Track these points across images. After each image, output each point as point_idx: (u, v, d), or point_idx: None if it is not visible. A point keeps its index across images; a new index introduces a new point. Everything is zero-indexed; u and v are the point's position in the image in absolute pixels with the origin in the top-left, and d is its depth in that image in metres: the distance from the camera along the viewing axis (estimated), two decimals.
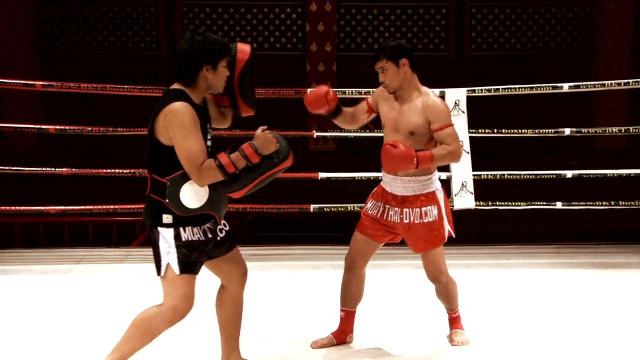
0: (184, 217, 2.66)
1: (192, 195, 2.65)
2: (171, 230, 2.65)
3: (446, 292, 3.37)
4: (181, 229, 2.66)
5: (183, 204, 2.64)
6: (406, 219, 3.20)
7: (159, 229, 2.66)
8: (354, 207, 4.97)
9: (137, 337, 2.71)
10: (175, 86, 2.67)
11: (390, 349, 3.40)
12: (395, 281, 4.44)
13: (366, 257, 3.33)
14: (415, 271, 4.65)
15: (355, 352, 3.36)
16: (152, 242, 2.71)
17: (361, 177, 4.99)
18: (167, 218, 2.65)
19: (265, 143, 2.64)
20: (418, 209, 3.18)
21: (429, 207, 3.20)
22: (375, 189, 3.36)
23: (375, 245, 3.33)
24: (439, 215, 3.22)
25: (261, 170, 2.65)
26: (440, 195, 3.25)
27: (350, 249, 3.34)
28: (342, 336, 3.40)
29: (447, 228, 3.26)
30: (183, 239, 2.66)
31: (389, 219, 3.24)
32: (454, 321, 3.48)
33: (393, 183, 3.23)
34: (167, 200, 2.63)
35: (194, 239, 2.68)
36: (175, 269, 2.65)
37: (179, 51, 2.64)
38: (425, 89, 3.21)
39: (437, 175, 3.29)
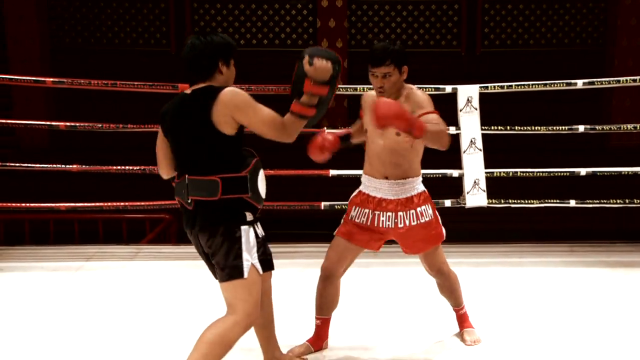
0: (257, 212, 2.63)
1: (263, 184, 2.65)
2: (252, 229, 2.60)
3: (450, 285, 3.33)
4: (256, 226, 2.64)
5: (261, 194, 2.64)
6: (401, 223, 3.12)
7: (242, 228, 2.58)
8: None
9: (214, 354, 2.57)
10: (199, 86, 2.61)
11: (400, 348, 3.37)
12: (403, 280, 4.41)
13: (347, 265, 3.24)
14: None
15: (367, 351, 3.33)
16: (226, 246, 2.57)
17: None
18: (250, 216, 2.60)
19: (324, 72, 2.52)
20: (413, 211, 3.12)
21: (423, 207, 3.15)
22: (354, 197, 3.24)
23: (359, 251, 3.24)
24: (434, 214, 3.18)
25: (332, 91, 2.63)
26: (428, 196, 3.22)
27: (328, 257, 3.21)
28: (318, 343, 3.32)
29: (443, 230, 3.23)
30: (259, 236, 2.64)
31: (380, 225, 3.14)
32: (462, 319, 3.44)
33: (384, 187, 3.13)
34: (250, 194, 2.58)
35: (263, 234, 2.67)
36: (259, 268, 2.62)
37: (194, 49, 2.58)
38: (409, 85, 3.14)
39: (423, 188, 3.24)
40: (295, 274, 4.52)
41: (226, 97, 2.51)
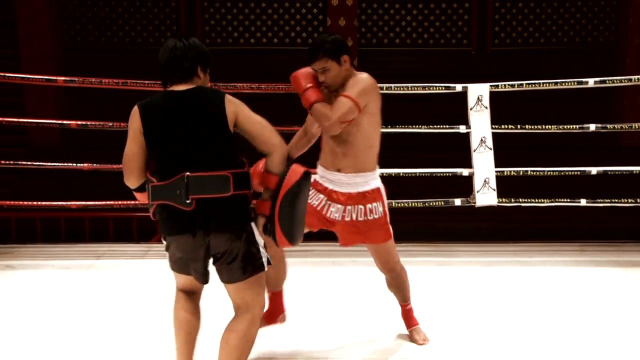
0: None
1: None
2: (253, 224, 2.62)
3: (400, 282, 3.29)
4: None
5: None
6: (348, 217, 3.07)
7: (252, 223, 2.59)
8: None
9: (245, 356, 2.60)
10: (185, 86, 2.56)
11: (407, 346, 3.37)
12: (417, 278, 4.40)
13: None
14: (439, 268, 4.61)
15: (374, 348, 3.33)
16: (247, 243, 2.55)
17: (382, 174, 4.92)
18: (252, 212, 2.61)
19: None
20: (362, 207, 3.07)
21: (374, 204, 3.09)
22: (313, 181, 3.17)
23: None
24: (383, 212, 3.11)
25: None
26: (383, 192, 3.15)
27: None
28: (272, 317, 3.31)
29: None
30: None
31: (329, 215, 3.10)
32: (408, 315, 3.39)
33: (336, 180, 3.08)
34: (251, 190, 2.58)
35: None
36: (270, 259, 2.66)
37: (176, 50, 2.56)
38: (360, 73, 3.05)
39: (378, 172, 3.17)
40: (306, 272, 4.52)
41: (231, 97, 2.57)
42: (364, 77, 3.00)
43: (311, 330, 3.55)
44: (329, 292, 4.17)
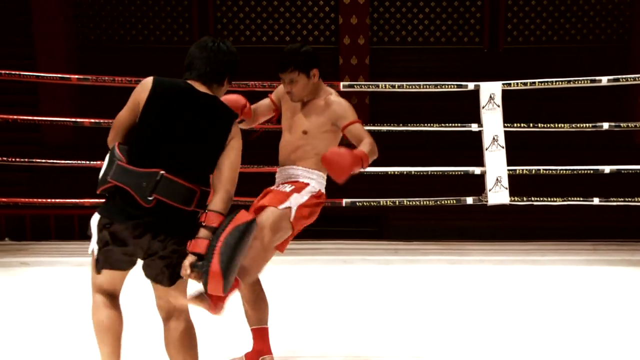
0: None
1: None
2: None
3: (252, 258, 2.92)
4: None
5: None
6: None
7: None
8: (386, 202, 4.93)
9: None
10: (205, 89, 2.52)
11: (420, 345, 3.37)
12: (428, 277, 4.40)
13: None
14: (450, 267, 4.61)
15: (386, 347, 3.34)
16: (180, 256, 2.45)
17: (394, 172, 4.95)
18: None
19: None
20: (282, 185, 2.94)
21: (287, 183, 2.93)
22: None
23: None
24: (292, 194, 2.88)
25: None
26: (309, 187, 2.94)
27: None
28: (256, 357, 3.01)
29: (293, 209, 2.86)
30: None
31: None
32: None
33: (282, 173, 2.99)
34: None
35: None
36: None
37: (220, 52, 2.53)
38: (328, 88, 3.01)
39: (317, 187, 2.98)
40: (316, 270, 4.53)
41: (237, 125, 2.53)
42: (342, 99, 2.98)
43: (319, 330, 3.56)
44: (339, 290, 4.18)
